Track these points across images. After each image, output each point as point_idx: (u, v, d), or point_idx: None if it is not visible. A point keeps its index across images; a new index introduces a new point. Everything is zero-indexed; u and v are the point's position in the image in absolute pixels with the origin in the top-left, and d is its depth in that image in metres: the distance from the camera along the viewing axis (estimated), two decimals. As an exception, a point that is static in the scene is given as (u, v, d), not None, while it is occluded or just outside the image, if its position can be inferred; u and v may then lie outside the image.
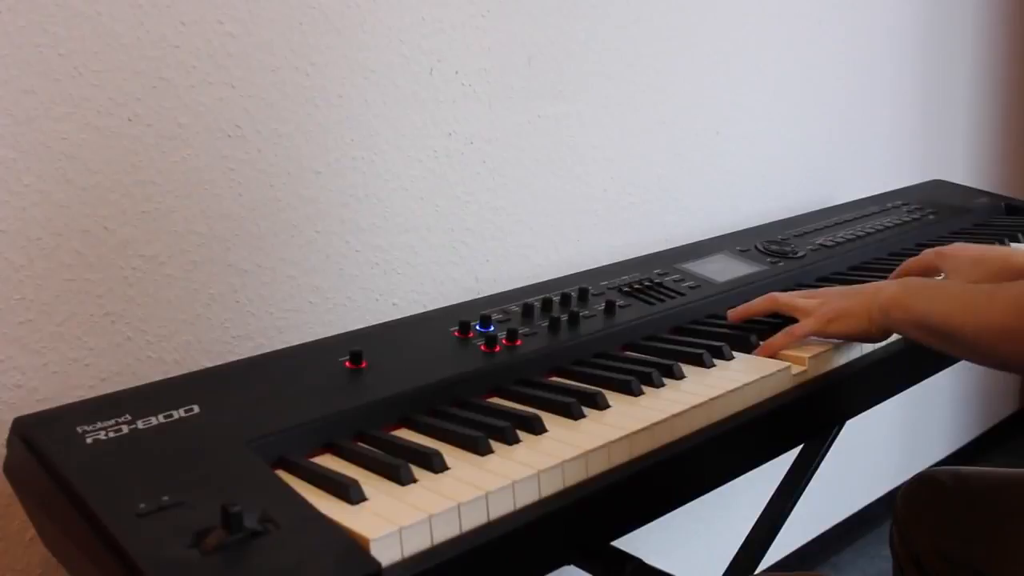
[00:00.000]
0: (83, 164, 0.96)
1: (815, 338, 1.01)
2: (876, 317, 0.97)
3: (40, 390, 0.95)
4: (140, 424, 0.77)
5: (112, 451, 0.74)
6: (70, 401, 0.86)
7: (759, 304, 1.08)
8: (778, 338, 1.00)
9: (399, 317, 1.08)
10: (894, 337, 1.03)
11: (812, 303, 1.03)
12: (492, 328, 1.01)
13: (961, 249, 1.17)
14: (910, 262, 1.20)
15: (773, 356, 0.99)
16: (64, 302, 0.96)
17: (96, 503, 0.67)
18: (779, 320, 1.06)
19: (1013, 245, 1.49)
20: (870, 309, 0.97)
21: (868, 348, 1.05)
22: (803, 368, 0.97)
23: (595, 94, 1.43)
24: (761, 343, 1.02)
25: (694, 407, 0.86)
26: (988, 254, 1.14)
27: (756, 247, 1.37)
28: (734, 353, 1.00)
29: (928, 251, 1.19)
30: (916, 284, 0.97)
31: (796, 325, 1.01)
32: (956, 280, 1.12)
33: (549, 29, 1.36)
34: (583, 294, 1.12)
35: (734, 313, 1.09)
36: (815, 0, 1.80)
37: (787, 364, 0.96)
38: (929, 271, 1.18)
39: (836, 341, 1.01)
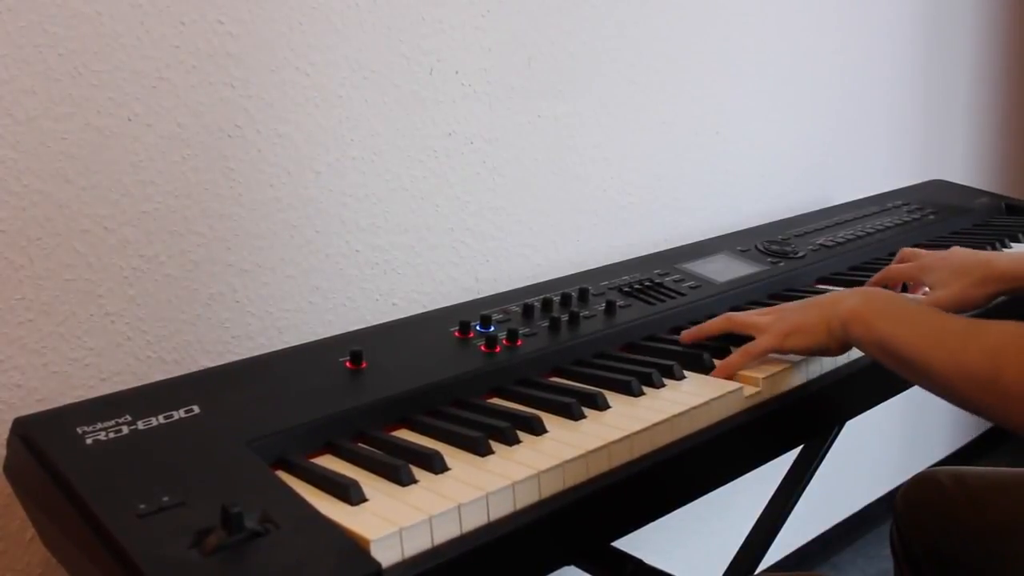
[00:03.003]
0: (83, 164, 0.96)
1: (774, 355, 0.97)
2: (835, 330, 0.91)
3: (40, 390, 0.95)
4: (140, 424, 0.78)
5: (112, 451, 0.74)
6: (70, 401, 0.87)
7: (714, 324, 1.01)
8: (734, 357, 0.95)
9: (399, 317, 1.08)
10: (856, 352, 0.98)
11: (768, 319, 0.97)
12: (492, 328, 1.01)
13: (942, 260, 1.13)
14: (892, 272, 1.18)
15: (730, 377, 0.94)
16: (64, 302, 0.96)
17: (96, 503, 0.67)
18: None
19: (1014, 245, 1.49)
20: (829, 321, 0.92)
21: (830, 363, 0.99)
22: (757, 389, 0.92)
23: (595, 94, 1.43)
24: (716, 363, 0.96)
25: (695, 407, 0.86)
26: (970, 262, 1.11)
27: (756, 247, 1.37)
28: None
29: (911, 263, 1.16)
30: (879, 299, 0.90)
31: (752, 343, 0.96)
32: (938, 293, 1.09)
33: (549, 29, 1.36)
34: (583, 294, 1.12)
35: (687, 334, 1.03)
36: (815, 0, 1.80)
37: (738, 385, 0.91)
38: (912, 281, 1.17)
39: (796, 358, 0.96)
